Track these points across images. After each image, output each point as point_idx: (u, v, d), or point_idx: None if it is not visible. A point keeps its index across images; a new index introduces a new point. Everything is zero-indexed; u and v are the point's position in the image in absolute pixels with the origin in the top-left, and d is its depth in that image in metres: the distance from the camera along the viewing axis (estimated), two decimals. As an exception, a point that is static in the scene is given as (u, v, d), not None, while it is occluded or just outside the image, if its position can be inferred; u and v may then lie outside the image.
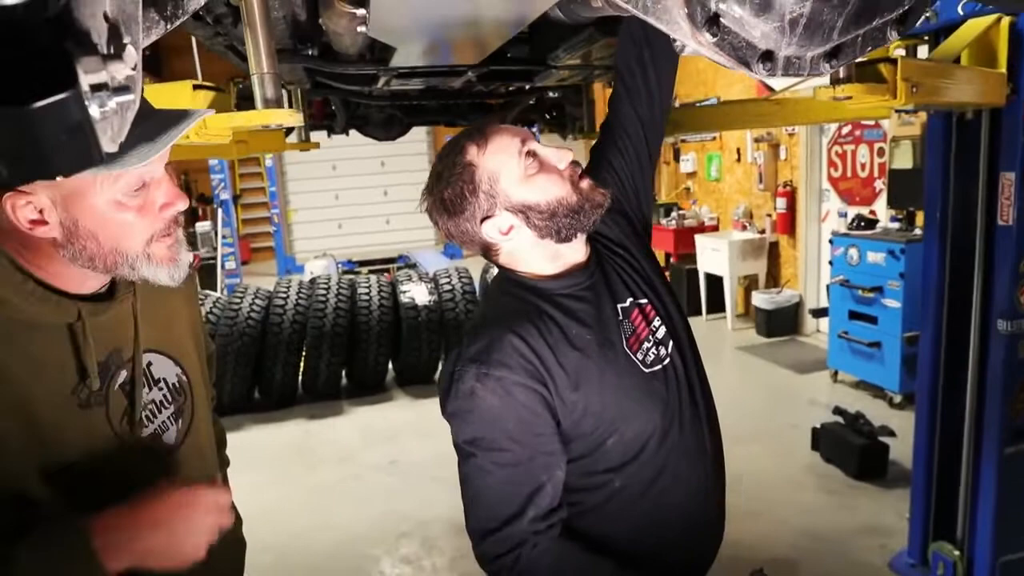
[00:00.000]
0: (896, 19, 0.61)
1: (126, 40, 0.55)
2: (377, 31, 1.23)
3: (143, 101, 0.94)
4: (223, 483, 1.37)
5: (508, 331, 1.11)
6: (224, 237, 7.75)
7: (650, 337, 1.23)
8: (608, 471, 1.17)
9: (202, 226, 8.05)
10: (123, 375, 1.03)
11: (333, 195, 12.67)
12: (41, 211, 0.87)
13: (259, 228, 12.14)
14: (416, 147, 12.81)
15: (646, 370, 1.20)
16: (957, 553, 2.51)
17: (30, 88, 0.41)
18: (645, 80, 1.36)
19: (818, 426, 3.86)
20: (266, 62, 1.19)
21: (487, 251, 1.19)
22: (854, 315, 4.78)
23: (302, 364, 4.98)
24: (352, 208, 12.74)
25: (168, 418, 1.10)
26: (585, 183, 1.15)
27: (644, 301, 1.25)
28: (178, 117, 0.89)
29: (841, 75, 1.40)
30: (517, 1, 1.02)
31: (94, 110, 0.46)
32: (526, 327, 1.12)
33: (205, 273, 7.33)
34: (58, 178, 0.76)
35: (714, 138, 7.41)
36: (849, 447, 3.61)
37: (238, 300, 4.85)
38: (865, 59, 1.50)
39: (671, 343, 1.24)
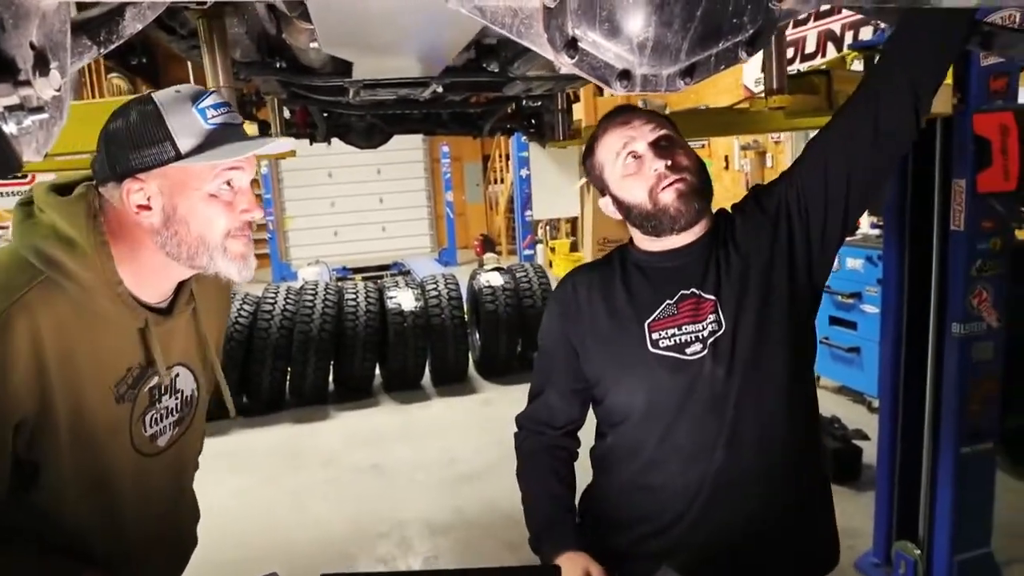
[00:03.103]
0: (745, 40, 0.68)
1: (52, 65, 0.62)
2: (327, 46, 1.31)
3: (239, 128, 1.09)
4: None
5: (574, 276, 1.38)
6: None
7: (685, 327, 1.24)
8: (607, 425, 1.35)
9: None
10: (154, 380, 1.15)
11: (329, 202, 12.73)
12: (149, 198, 1.03)
13: (254, 235, 12.19)
14: (412, 155, 12.90)
15: (651, 349, 1.24)
16: (918, 552, 2.56)
17: (-51, 111, 0.48)
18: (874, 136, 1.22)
19: (794, 429, 3.91)
20: (222, 76, 1.27)
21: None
22: (834, 320, 4.84)
23: (289, 369, 5.04)
24: (348, 215, 12.81)
25: (170, 424, 1.21)
26: (666, 195, 1.20)
27: (709, 297, 1.24)
28: (262, 140, 1.13)
29: (774, 86, 1.47)
30: (447, 20, 1.09)
31: (11, 127, 0.54)
32: (584, 278, 1.36)
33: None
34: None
35: (703, 145, 7.50)
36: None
37: (226, 306, 4.92)
38: (800, 72, 1.58)
39: (711, 345, 1.22)
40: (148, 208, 1.04)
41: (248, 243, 1.13)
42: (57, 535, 1.10)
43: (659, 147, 1.22)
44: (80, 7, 0.73)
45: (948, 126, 2.27)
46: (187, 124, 1.01)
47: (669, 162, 1.20)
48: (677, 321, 1.24)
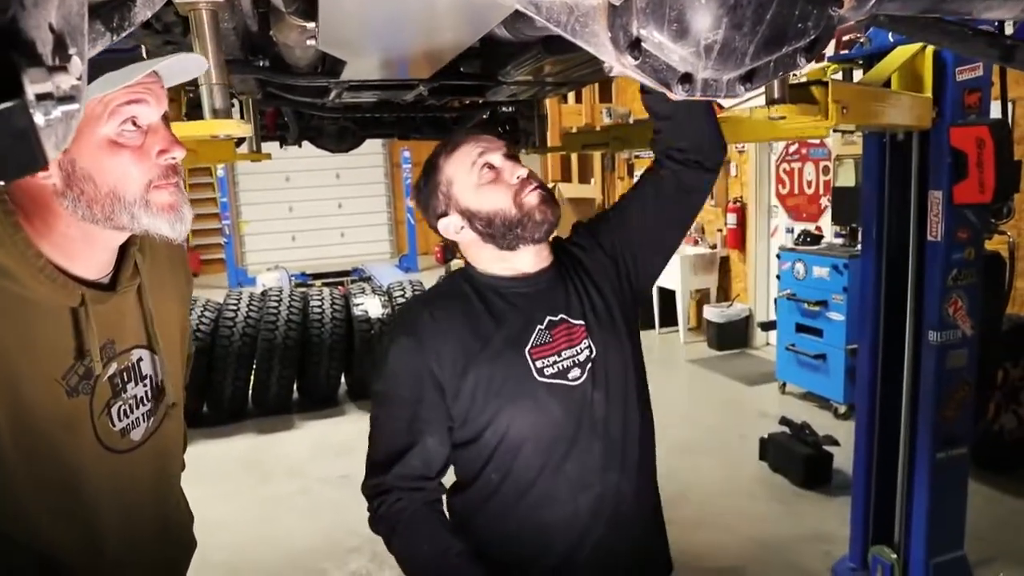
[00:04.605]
0: (804, 47, 0.66)
1: (72, 51, 0.56)
2: (327, 45, 1.26)
3: (132, 53, 0.95)
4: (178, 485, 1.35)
5: (425, 306, 1.27)
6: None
7: (564, 353, 1.24)
8: (489, 464, 1.24)
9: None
10: (113, 367, 1.04)
11: (287, 207, 12.52)
12: None
13: (210, 239, 11.89)
14: (372, 159, 12.76)
15: (538, 378, 1.22)
16: (894, 556, 2.60)
17: (-24, 97, 0.42)
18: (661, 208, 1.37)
19: (765, 436, 3.96)
20: (215, 73, 1.20)
21: (451, 243, 1.29)
22: (801, 328, 4.93)
23: (252, 378, 4.90)
24: (306, 220, 12.61)
25: (142, 415, 1.10)
26: (530, 198, 1.21)
27: (579, 323, 1.27)
28: (158, 59, 0.94)
29: (775, 96, 1.46)
30: (464, 18, 1.05)
31: (39, 118, 0.48)
32: (440, 305, 1.25)
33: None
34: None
35: (666, 155, 7.57)
36: (795, 456, 3.71)
37: (187, 312, 4.77)
38: (799, 81, 1.58)
39: (589, 370, 1.25)
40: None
41: (176, 191, 0.96)
42: (22, 564, 0.98)
43: (514, 160, 1.25)
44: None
45: (924, 139, 2.32)
46: None
47: (528, 173, 1.23)
48: (555, 348, 1.24)
